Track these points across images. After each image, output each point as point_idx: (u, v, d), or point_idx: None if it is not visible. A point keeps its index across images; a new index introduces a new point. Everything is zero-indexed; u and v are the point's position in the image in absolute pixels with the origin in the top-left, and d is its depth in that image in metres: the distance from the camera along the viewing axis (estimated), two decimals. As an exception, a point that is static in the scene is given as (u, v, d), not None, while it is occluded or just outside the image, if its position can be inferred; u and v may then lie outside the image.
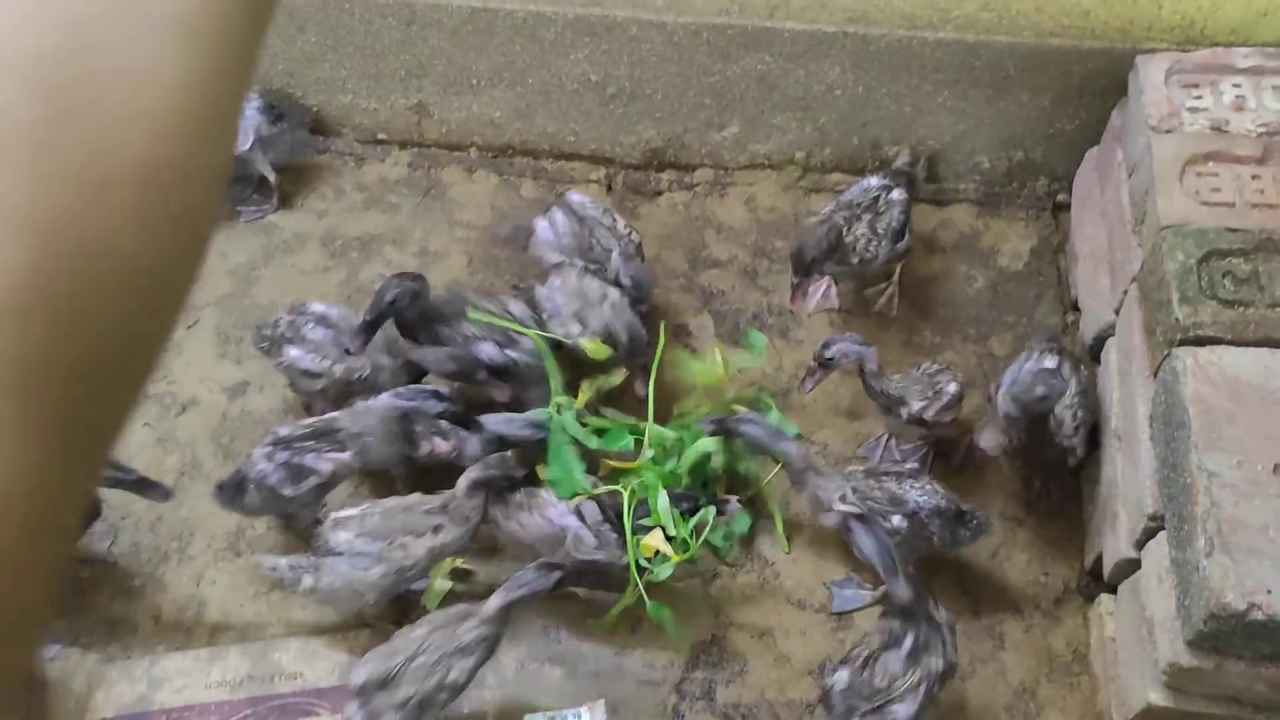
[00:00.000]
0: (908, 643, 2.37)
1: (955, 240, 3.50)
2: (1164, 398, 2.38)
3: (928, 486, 2.64)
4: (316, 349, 3.10)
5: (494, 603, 2.44)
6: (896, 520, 2.59)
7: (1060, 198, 3.48)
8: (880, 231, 3.10)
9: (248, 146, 3.57)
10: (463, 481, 2.69)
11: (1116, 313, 2.81)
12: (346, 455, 2.75)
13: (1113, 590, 2.67)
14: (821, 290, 3.26)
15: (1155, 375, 2.47)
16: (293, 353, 3.16)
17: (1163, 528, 2.35)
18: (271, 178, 3.67)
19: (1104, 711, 2.61)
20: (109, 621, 2.91)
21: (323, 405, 3.03)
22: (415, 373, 3.05)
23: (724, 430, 2.76)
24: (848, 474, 2.68)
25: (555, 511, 2.68)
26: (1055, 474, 2.93)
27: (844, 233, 3.06)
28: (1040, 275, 3.40)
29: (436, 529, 2.67)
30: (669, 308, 3.39)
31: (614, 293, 2.98)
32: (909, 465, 2.78)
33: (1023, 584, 2.87)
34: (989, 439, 2.70)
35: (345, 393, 3.03)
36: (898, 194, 3.12)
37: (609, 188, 3.69)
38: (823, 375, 2.86)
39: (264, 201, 3.71)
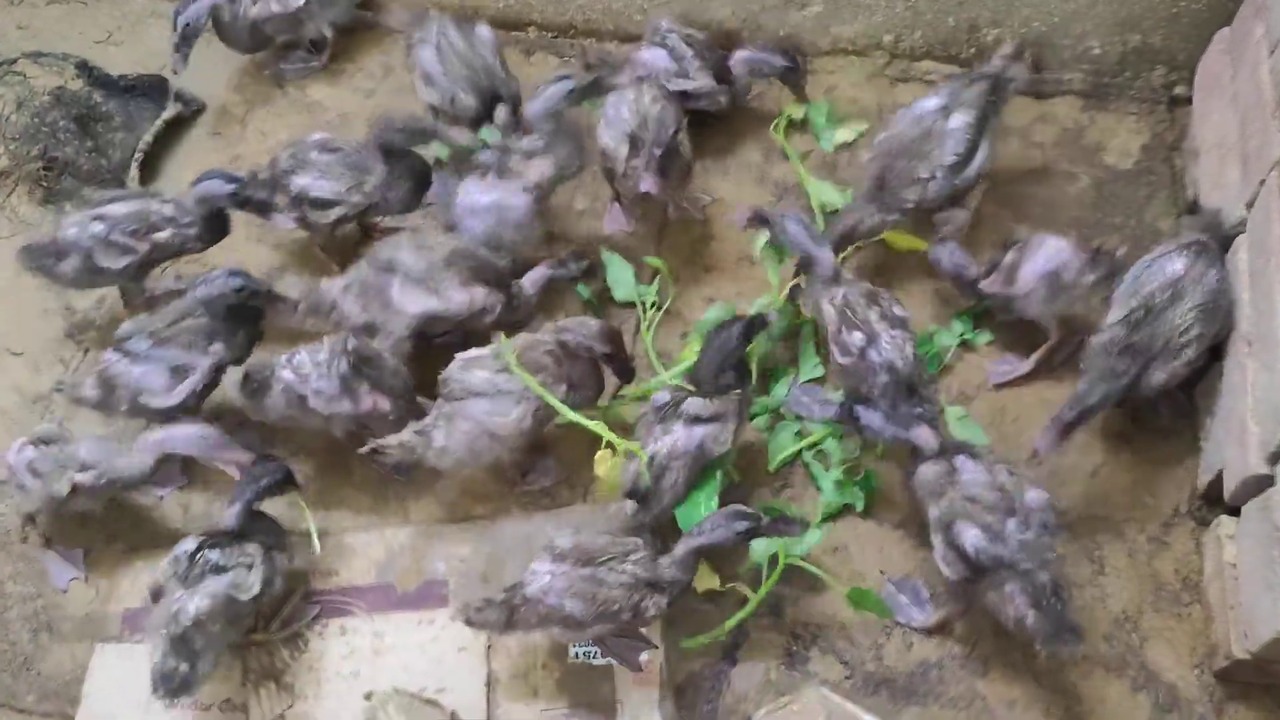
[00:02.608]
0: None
1: (1056, 136, 3.18)
2: (1313, 291, 2.09)
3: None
4: (325, 174, 2.91)
5: (680, 550, 2.28)
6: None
7: (1179, 90, 3.15)
8: (931, 171, 2.77)
9: (302, 3, 3.35)
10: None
11: (1249, 208, 2.50)
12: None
13: (1234, 513, 2.39)
14: (953, 225, 2.86)
15: (1300, 269, 2.18)
16: (300, 181, 2.93)
17: (1304, 437, 2.08)
18: (329, 33, 3.44)
19: (1219, 643, 2.35)
20: (134, 511, 2.73)
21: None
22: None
23: (763, 220, 2.73)
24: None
25: None
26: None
27: (884, 176, 2.80)
28: (1152, 174, 3.08)
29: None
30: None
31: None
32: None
33: (1126, 505, 2.59)
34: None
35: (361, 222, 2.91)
36: (958, 119, 2.77)
37: (676, 74, 3.40)
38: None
39: (311, 59, 3.50)
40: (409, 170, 2.92)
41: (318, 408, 2.57)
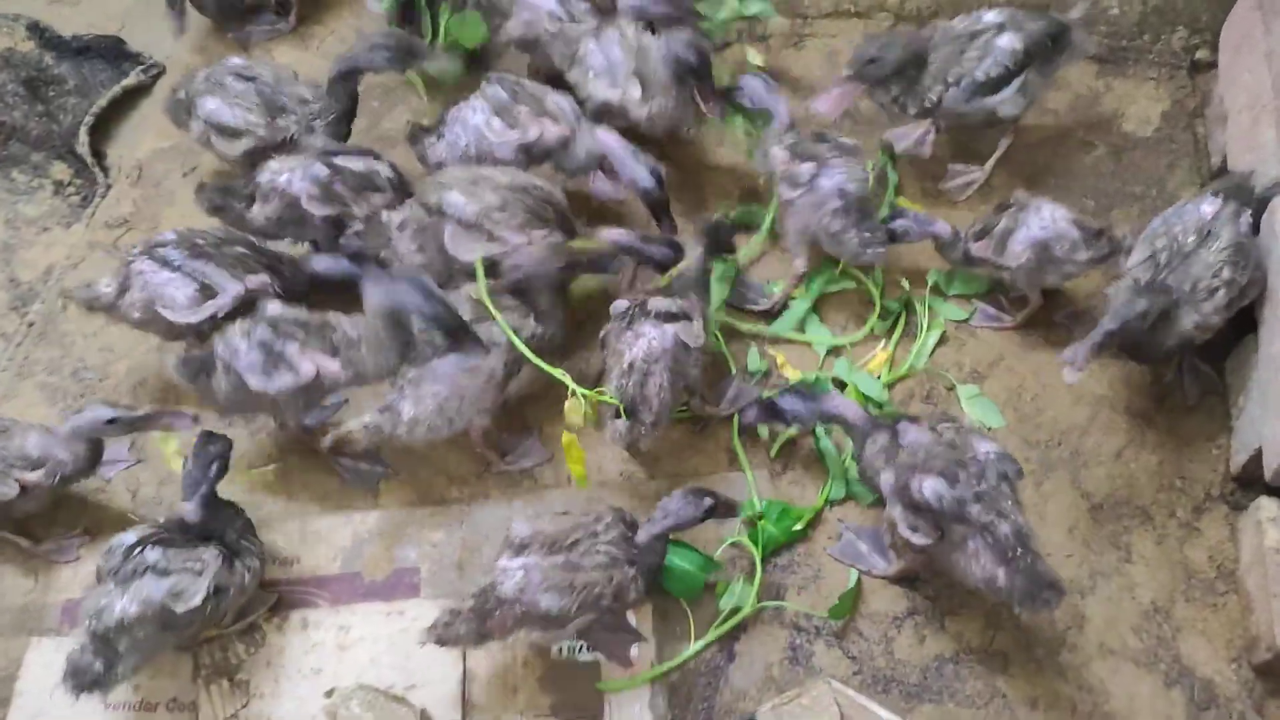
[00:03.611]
0: None
1: (1070, 103, 3.00)
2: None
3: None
4: (239, 101, 2.72)
5: (645, 534, 2.11)
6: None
7: (1200, 54, 2.97)
8: (958, 78, 2.63)
9: None
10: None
11: (1286, 167, 2.33)
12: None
13: (1276, 494, 2.21)
14: (916, 136, 2.79)
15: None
16: (210, 104, 2.76)
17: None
18: None
19: (1259, 635, 2.16)
20: (78, 494, 2.50)
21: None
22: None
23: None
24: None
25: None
26: (1191, 362, 2.47)
27: (923, 54, 2.65)
28: (1173, 142, 2.90)
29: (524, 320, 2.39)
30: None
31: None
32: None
33: (1153, 489, 2.41)
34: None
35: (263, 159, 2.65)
36: (1008, 40, 2.63)
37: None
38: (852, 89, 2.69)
39: (279, 21, 3.29)
40: (344, 105, 2.74)
41: (256, 387, 2.30)
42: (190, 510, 2.13)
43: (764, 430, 2.50)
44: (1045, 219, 2.45)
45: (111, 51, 3.27)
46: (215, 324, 2.41)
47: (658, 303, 2.33)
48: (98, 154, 3.09)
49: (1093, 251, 2.45)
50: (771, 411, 2.32)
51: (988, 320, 2.63)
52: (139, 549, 2.09)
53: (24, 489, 2.28)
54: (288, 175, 2.57)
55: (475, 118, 2.69)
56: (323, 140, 2.68)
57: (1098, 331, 2.20)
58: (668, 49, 2.68)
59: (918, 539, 2.09)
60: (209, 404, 2.40)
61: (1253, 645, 2.18)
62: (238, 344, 2.30)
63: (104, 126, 3.14)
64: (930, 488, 2.04)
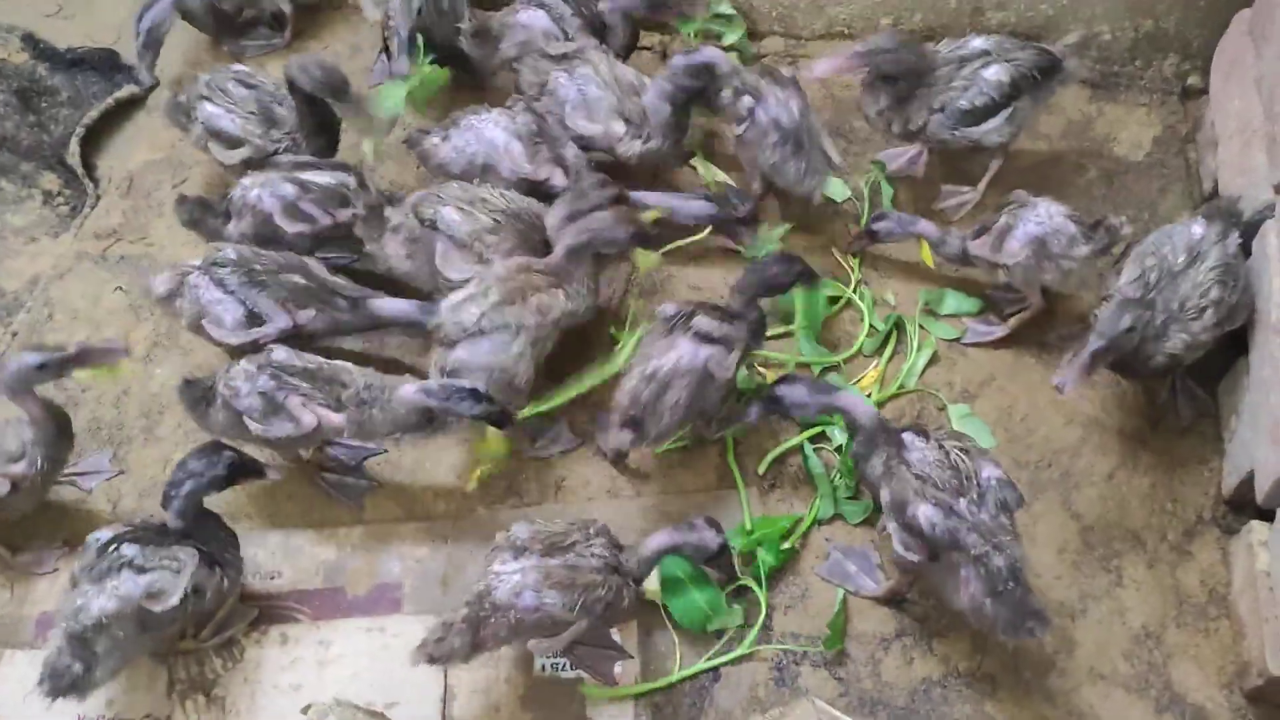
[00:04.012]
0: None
1: (1063, 127, 3.00)
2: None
3: None
4: (238, 108, 2.71)
5: (644, 550, 2.11)
6: None
7: (1192, 80, 2.98)
8: (943, 105, 2.63)
9: None
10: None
11: (1278, 191, 2.33)
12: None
13: (1267, 517, 2.19)
14: (908, 156, 2.80)
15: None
16: (209, 109, 2.75)
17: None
18: (287, 8, 3.24)
19: (1251, 661, 2.13)
20: (57, 506, 2.47)
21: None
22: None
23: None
24: None
25: None
26: (1185, 384, 2.46)
27: (926, 75, 2.64)
28: (1165, 167, 2.90)
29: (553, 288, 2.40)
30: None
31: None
32: None
33: (1145, 512, 2.39)
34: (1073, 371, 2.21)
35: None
36: (994, 72, 2.62)
37: (663, 55, 3.22)
38: (867, 243, 2.67)
39: (274, 36, 3.29)
40: (320, 122, 2.72)
41: (258, 433, 2.27)
42: (172, 515, 2.09)
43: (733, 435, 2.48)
44: (1042, 215, 2.46)
45: (105, 64, 3.27)
46: (258, 348, 2.39)
47: (702, 321, 2.28)
48: (88, 165, 3.08)
49: (1092, 245, 2.44)
50: (772, 401, 2.22)
51: (979, 337, 2.61)
52: (115, 545, 2.05)
53: (15, 485, 2.24)
54: (258, 191, 2.56)
55: (494, 133, 2.68)
56: (293, 157, 2.67)
57: (1085, 352, 2.18)
58: (663, 86, 2.67)
59: (910, 556, 2.07)
60: (205, 430, 2.36)
61: (1244, 671, 2.15)
62: (239, 385, 2.26)
63: (95, 138, 3.13)
64: (925, 515, 2.01)
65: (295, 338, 2.43)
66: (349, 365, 2.32)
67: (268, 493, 2.46)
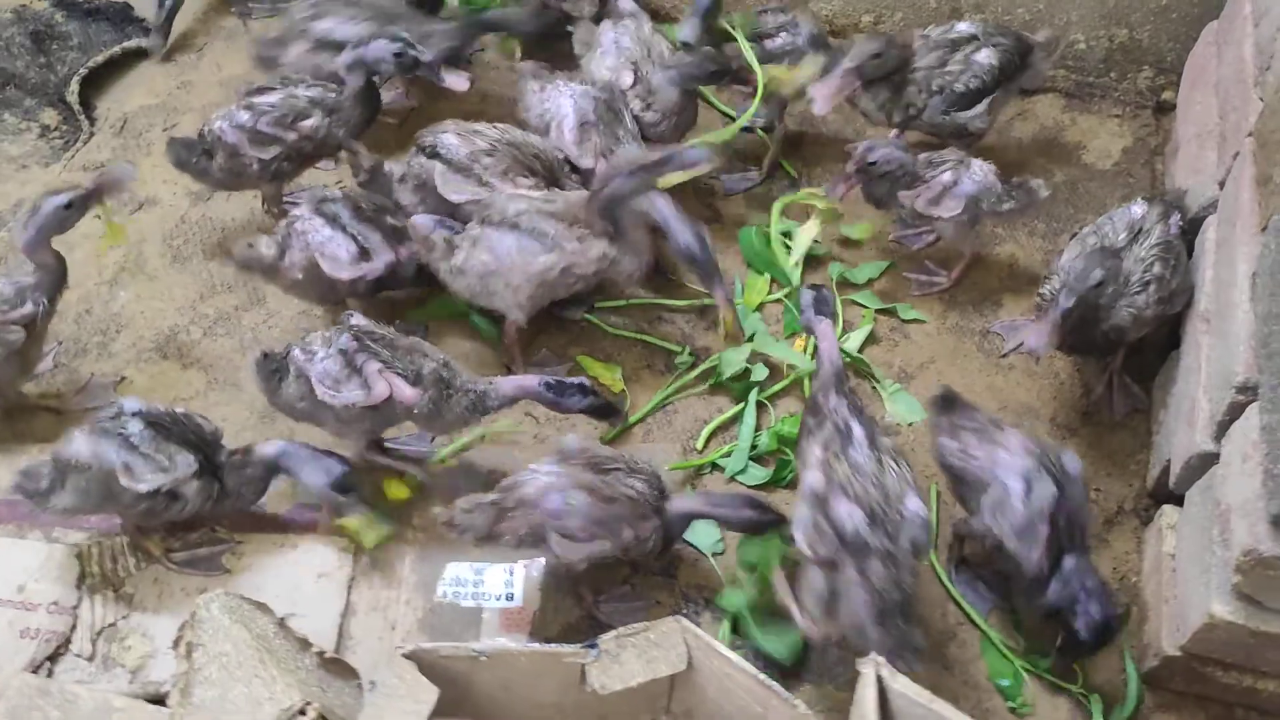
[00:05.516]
0: None
1: (1034, 133, 3.02)
2: (1275, 245, 1.90)
3: None
4: (355, 16, 2.81)
5: (678, 507, 2.13)
6: None
7: (1166, 95, 2.99)
8: (940, 88, 2.68)
9: None
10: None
11: (1222, 185, 2.33)
12: None
13: (1177, 502, 2.16)
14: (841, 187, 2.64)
15: (1264, 229, 1.99)
16: (324, 24, 2.84)
17: (1252, 400, 1.87)
18: None
19: (1150, 643, 2.09)
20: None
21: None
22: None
23: None
24: None
25: None
26: (1121, 380, 2.45)
27: (911, 60, 2.69)
28: (1131, 177, 2.91)
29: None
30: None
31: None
32: None
33: (1069, 499, 2.37)
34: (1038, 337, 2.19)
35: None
36: (985, 55, 2.68)
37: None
38: (857, 182, 2.59)
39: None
40: (366, 96, 2.74)
41: (325, 399, 2.22)
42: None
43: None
44: (977, 173, 2.54)
45: (119, 16, 3.41)
46: (365, 286, 2.49)
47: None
48: (87, 105, 3.20)
49: (1013, 202, 2.55)
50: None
51: (924, 287, 2.68)
52: (130, 416, 2.14)
53: (26, 330, 2.35)
54: (220, 123, 2.64)
55: (564, 109, 2.68)
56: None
57: (1055, 310, 2.16)
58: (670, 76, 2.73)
59: (818, 548, 1.94)
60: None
61: (1144, 654, 2.11)
62: (317, 349, 2.25)
63: (98, 81, 3.25)
64: (848, 514, 1.90)
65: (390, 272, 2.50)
66: (425, 343, 2.31)
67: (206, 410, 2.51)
